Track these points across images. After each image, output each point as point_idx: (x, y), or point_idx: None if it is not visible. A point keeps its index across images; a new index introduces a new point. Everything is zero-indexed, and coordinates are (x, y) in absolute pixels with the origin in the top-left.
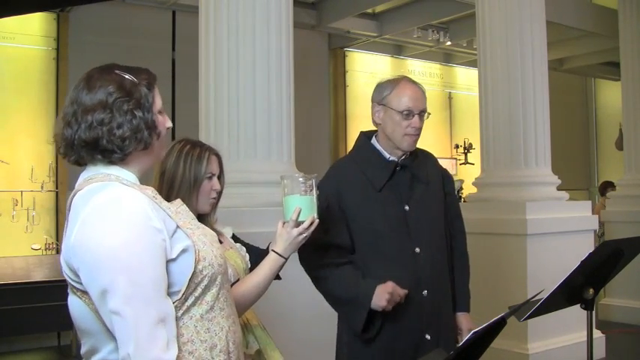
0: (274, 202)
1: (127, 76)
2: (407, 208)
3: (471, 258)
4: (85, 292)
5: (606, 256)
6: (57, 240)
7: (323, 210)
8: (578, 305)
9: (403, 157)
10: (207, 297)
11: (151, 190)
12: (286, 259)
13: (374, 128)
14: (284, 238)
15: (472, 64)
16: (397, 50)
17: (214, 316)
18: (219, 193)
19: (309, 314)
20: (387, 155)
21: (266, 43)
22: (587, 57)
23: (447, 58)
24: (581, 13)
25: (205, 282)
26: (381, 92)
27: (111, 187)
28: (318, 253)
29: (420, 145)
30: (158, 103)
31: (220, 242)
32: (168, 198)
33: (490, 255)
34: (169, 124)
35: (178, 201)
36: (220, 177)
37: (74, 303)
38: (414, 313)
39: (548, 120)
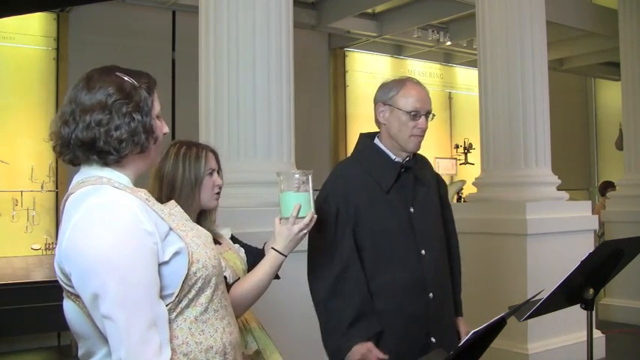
0: (274, 202)
1: (127, 79)
2: (412, 210)
3: (471, 258)
4: (78, 296)
5: (606, 256)
6: (57, 240)
7: (332, 215)
8: (578, 305)
9: (407, 158)
10: (201, 299)
11: (144, 193)
12: (286, 256)
13: (374, 129)
14: (284, 235)
15: (472, 64)
16: (397, 50)
17: (208, 317)
18: (220, 188)
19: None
20: (392, 156)
21: (266, 43)
22: (587, 57)
23: (447, 58)
24: (581, 13)
25: (199, 284)
26: (387, 92)
27: (102, 191)
28: (325, 281)
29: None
30: (157, 107)
31: (219, 244)
32: (171, 199)
33: (490, 255)
34: (166, 129)
35: (172, 202)
36: (219, 172)
37: (68, 307)
38: (420, 316)
39: (548, 120)
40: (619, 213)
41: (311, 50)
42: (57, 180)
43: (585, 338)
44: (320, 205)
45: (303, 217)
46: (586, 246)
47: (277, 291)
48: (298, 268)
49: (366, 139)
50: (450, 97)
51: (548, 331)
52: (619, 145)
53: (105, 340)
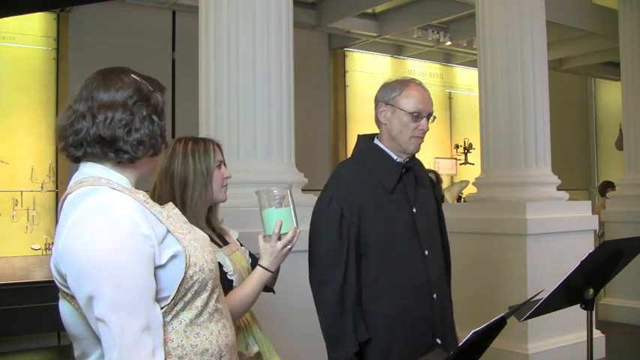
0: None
1: (143, 81)
2: (414, 210)
3: (471, 258)
4: (73, 297)
5: (606, 256)
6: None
7: (336, 218)
8: (578, 305)
9: (407, 159)
10: (197, 302)
11: (142, 194)
12: (272, 272)
13: (374, 129)
14: (269, 253)
15: (472, 64)
16: (397, 50)
17: (203, 320)
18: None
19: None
20: (394, 156)
21: (266, 43)
22: (587, 57)
23: (447, 58)
24: (581, 13)
25: (195, 287)
26: (390, 92)
27: (100, 192)
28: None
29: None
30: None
31: (227, 243)
32: (184, 197)
33: (490, 255)
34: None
35: (170, 204)
36: (224, 165)
37: (64, 307)
38: (426, 317)
39: (548, 120)
40: (619, 213)
41: (311, 50)
42: (57, 180)
43: (585, 338)
44: (323, 208)
45: (286, 233)
46: (586, 246)
47: (278, 290)
48: (298, 268)
49: (366, 140)
50: (450, 97)
51: (548, 331)
52: (619, 145)
53: (99, 341)
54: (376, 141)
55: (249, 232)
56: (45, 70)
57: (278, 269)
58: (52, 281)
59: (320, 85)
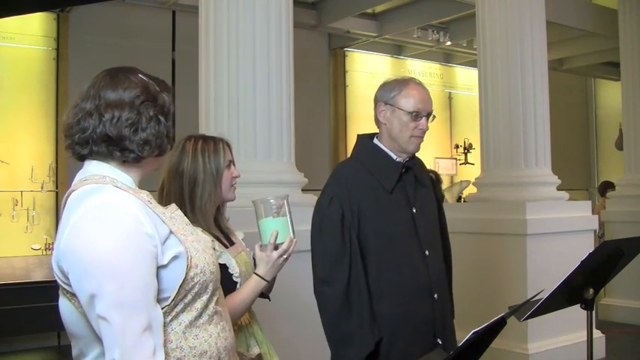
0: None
1: (150, 82)
2: (414, 210)
3: (471, 258)
4: (74, 295)
5: (606, 256)
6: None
7: (337, 219)
8: (578, 305)
9: (407, 159)
10: (197, 304)
11: (145, 194)
12: (268, 281)
13: (374, 129)
14: (264, 262)
15: (472, 64)
16: (397, 50)
17: (203, 322)
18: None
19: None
20: (393, 156)
21: (266, 43)
22: (587, 57)
23: (447, 58)
24: (581, 13)
25: (196, 289)
26: (389, 92)
27: (104, 191)
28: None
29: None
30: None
31: (233, 243)
32: (193, 196)
33: (490, 255)
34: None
35: (173, 206)
36: (234, 164)
37: (64, 305)
38: (427, 318)
39: (548, 120)
40: (619, 213)
41: (311, 50)
42: (57, 180)
43: (585, 338)
44: (324, 208)
45: (283, 243)
46: (586, 246)
47: (276, 291)
48: (298, 268)
49: (366, 139)
50: (450, 97)
51: (548, 331)
52: (619, 145)
53: (98, 340)
54: (376, 141)
55: (249, 232)
56: (45, 70)
57: (274, 277)
58: (52, 281)
59: (320, 85)
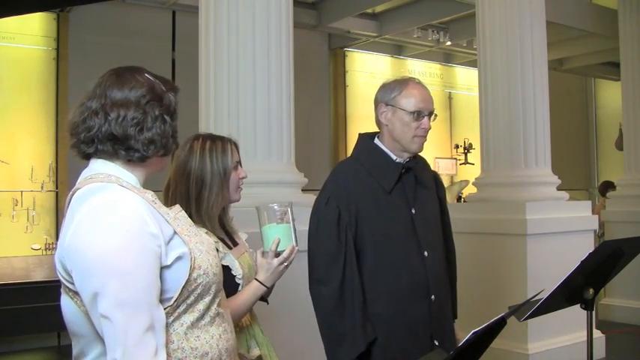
0: (274, 202)
1: (156, 81)
2: (413, 211)
3: (470, 258)
4: (76, 293)
5: (606, 256)
6: (57, 240)
7: (334, 218)
8: (578, 305)
9: (408, 159)
10: (199, 305)
11: (150, 194)
12: (268, 288)
13: (374, 129)
14: (265, 269)
15: (472, 64)
16: (397, 50)
17: (205, 324)
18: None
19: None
20: (393, 156)
21: (266, 43)
22: (587, 57)
23: (447, 58)
24: (581, 13)
25: (199, 290)
26: (389, 92)
27: (109, 190)
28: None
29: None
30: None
31: (237, 243)
32: (200, 197)
33: (490, 255)
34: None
35: (177, 207)
36: (240, 164)
37: (66, 304)
38: (423, 319)
39: (548, 120)
40: (619, 213)
41: (311, 50)
42: (57, 180)
43: (585, 338)
44: (321, 208)
45: (284, 251)
46: (586, 246)
47: (277, 292)
48: (298, 268)
49: (366, 139)
50: (450, 97)
51: (548, 331)
52: (619, 145)
53: (99, 340)
54: (376, 141)
55: (252, 232)
56: (45, 70)
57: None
58: (52, 281)
59: (320, 85)
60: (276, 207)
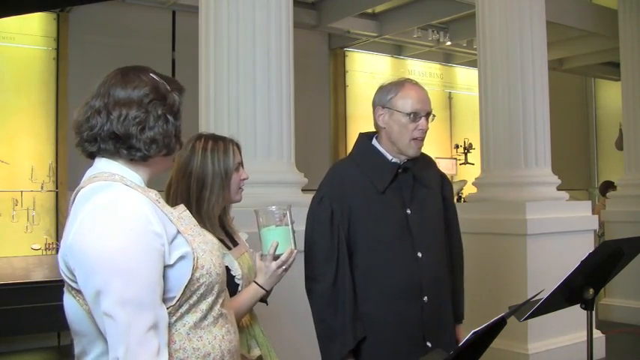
0: (274, 202)
1: (161, 81)
2: (409, 211)
3: (470, 258)
4: (79, 292)
5: (606, 256)
6: (57, 240)
7: (326, 216)
8: (578, 305)
9: (406, 159)
10: (202, 305)
11: (154, 194)
12: (267, 291)
13: (374, 129)
14: (263, 272)
15: (472, 64)
16: (397, 50)
17: (207, 324)
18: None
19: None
20: (389, 157)
21: (266, 43)
22: (587, 57)
23: (447, 58)
24: (581, 13)
25: (202, 290)
26: (386, 95)
27: (113, 188)
28: (327, 305)
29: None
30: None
31: (237, 244)
32: (201, 197)
33: (490, 255)
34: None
35: (181, 206)
36: (242, 165)
37: (68, 302)
38: (414, 320)
39: (548, 120)
40: (619, 213)
41: (311, 50)
42: (57, 180)
43: (585, 338)
44: (315, 207)
45: (282, 254)
46: (586, 246)
47: (277, 292)
48: (298, 268)
49: (365, 139)
50: (450, 97)
51: (548, 331)
52: (619, 145)
53: (101, 338)
54: (374, 141)
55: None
56: (45, 70)
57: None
58: (52, 281)
59: (320, 85)
60: (274, 209)
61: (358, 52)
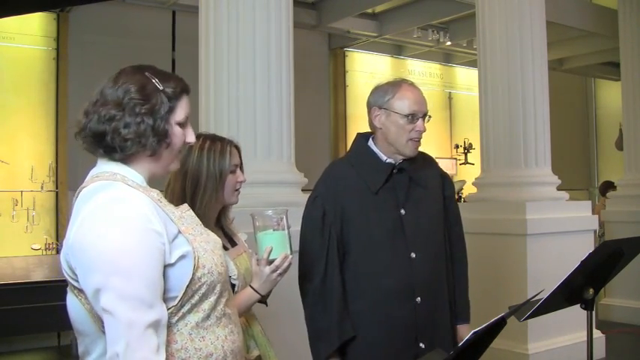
0: (274, 202)
1: (153, 80)
2: (403, 212)
3: (470, 258)
4: (81, 291)
5: (606, 256)
6: (57, 240)
7: (319, 216)
8: (578, 305)
9: (401, 159)
10: (204, 305)
11: (156, 193)
12: (262, 295)
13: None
14: (259, 277)
15: (472, 64)
16: (397, 50)
17: (210, 324)
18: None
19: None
20: (383, 157)
21: (266, 43)
22: (587, 57)
23: (447, 58)
24: (581, 13)
25: (203, 290)
26: (382, 96)
27: (114, 187)
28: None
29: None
30: (180, 114)
31: (236, 244)
32: (195, 196)
33: (490, 255)
34: (190, 138)
35: (185, 206)
36: (241, 167)
37: (71, 302)
38: (406, 321)
39: (548, 120)
40: (619, 213)
41: (311, 50)
42: (57, 180)
43: (585, 338)
44: (308, 206)
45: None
46: (586, 246)
47: (276, 291)
48: (297, 268)
49: (361, 139)
50: (450, 97)
51: (548, 331)
52: (619, 145)
53: (104, 338)
54: (370, 142)
55: (248, 232)
56: (45, 70)
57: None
58: (52, 281)
59: (320, 85)
60: (271, 213)
61: (358, 52)
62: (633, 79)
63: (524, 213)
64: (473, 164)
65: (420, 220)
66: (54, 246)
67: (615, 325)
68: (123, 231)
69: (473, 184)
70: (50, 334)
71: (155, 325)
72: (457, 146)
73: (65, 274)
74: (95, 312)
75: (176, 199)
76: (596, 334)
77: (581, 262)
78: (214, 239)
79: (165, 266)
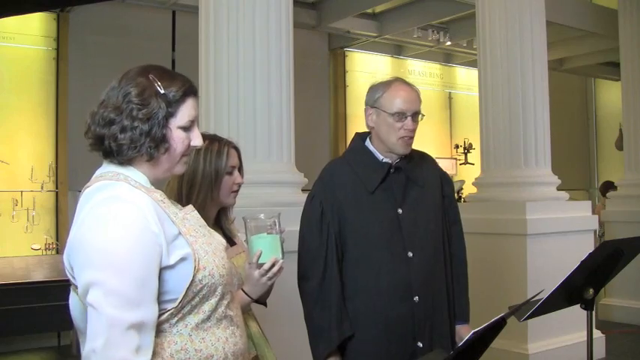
0: (274, 202)
1: (155, 84)
2: (400, 211)
3: (470, 258)
4: None
5: (606, 256)
6: (57, 240)
7: (317, 216)
8: (578, 305)
9: (398, 159)
10: (204, 306)
11: (159, 194)
12: (253, 299)
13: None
14: (249, 280)
15: (472, 64)
16: (397, 50)
17: (210, 326)
18: (240, 186)
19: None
20: (380, 157)
21: (266, 43)
22: (587, 57)
23: (447, 58)
24: (581, 13)
25: (204, 292)
26: (374, 95)
27: (114, 187)
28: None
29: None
30: (182, 118)
31: (235, 243)
32: (190, 196)
33: (490, 255)
34: (196, 142)
35: (190, 207)
36: (240, 169)
37: (73, 301)
38: (404, 320)
39: (548, 120)
40: (619, 213)
41: (311, 50)
42: (57, 180)
43: (585, 338)
44: (306, 205)
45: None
46: (586, 246)
47: (275, 291)
48: (294, 267)
49: (359, 139)
50: (450, 97)
51: (548, 331)
52: (619, 145)
53: None
54: (367, 141)
55: None
56: (45, 70)
57: (271, 287)
58: (52, 281)
59: (320, 85)
60: (262, 217)
61: (358, 52)
62: (633, 79)
63: (524, 213)
64: (473, 164)
65: (417, 219)
66: (54, 246)
67: (615, 325)
68: (116, 228)
69: (473, 184)
70: (50, 334)
71: (138, 326)
72: (457, 146)
73: (67, 274)
74: None
75: (172, 198)
76: (596, 334)
77: (581, 262)
78: (218, 241)
79: (165, 268)
